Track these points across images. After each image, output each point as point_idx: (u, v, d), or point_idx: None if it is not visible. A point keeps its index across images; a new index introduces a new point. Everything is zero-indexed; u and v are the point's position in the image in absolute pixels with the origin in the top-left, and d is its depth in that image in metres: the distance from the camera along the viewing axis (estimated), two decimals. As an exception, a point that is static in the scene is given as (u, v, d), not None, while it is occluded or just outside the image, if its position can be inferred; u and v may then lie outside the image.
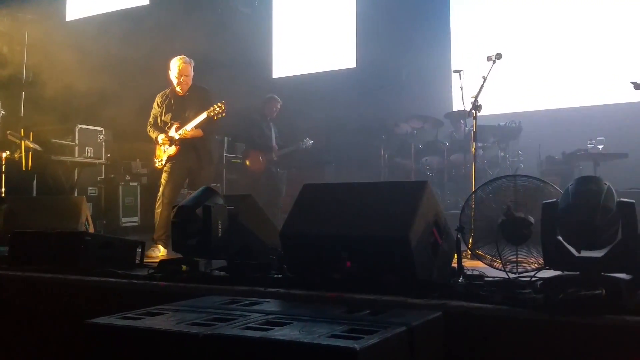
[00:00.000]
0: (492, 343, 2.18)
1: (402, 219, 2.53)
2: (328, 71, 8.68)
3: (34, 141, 6.21)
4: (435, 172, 6.90)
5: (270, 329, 1.83)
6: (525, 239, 2.64)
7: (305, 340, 1.68)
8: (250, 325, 1.90)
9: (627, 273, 2.25)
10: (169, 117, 5.07)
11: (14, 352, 3.17)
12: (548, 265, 2.42)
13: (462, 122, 6.84)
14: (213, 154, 5.44)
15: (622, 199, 2.28)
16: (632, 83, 5.31)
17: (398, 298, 2.35)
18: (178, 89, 5.08)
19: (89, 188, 7.20)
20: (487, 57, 4.65)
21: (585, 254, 2.29)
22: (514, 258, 2.70)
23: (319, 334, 1.73)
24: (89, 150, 7.31)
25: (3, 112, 7.10)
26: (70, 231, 4.13)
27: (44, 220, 4.59)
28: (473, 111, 4.62)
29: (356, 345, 1.60)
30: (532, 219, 2.61)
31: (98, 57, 7.17)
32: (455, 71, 6.15)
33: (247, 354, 1.73)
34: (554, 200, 2.41)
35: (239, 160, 7.92)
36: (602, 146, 5.92)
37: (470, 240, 3.01)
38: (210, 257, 3.19)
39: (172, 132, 4.98)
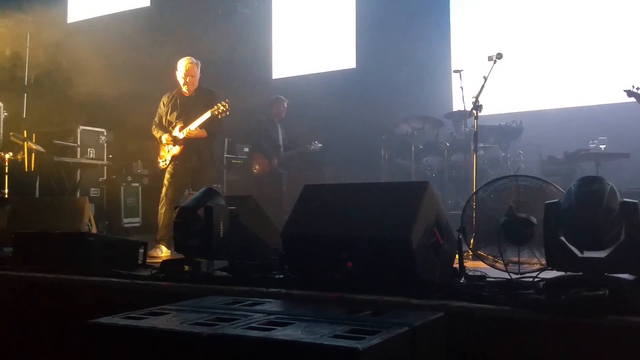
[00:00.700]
0: (494, 344, 2.17)
1: (403, 219, 2.53)
2: (328, 71, 8.67)
3: (36, 142, 6.21)
4: (435, 173, 6.87)
5: (273, 329, 1.83)
6: (528, 239, 2.63)
7: (307, 341, 1.68)
8: (252, 325, 1.90)
9: (630, 273, 2.24)
10: (174, 116, 5.08)
11: (18, 352, 3.17)
12: (550, 265, 2.41)
13: (463, 123, 6.83)
14: (215, 156, 5.46)
15: (625, 199, 2.27)
16: (625, 91, 5.33)
17: (399, 298, 2.35)
18: (184, 89, 5.09)
19: (91, 189, 7.23)
20: (488, 57, 4.64)
21: (588, 254, 2.28)
22: (516, 259, 2.69)
23: (321, 334, 1.73)
24: (91, 152, 7.33)
25: (6, 114, 7.12)
26: (73, 232, 4.15)
27: (47, 221, 4.59)
28: (474, 111, 4.62)
29: (359, 345, 1.61)
30: (534, 220, 2.60)
31: (100, 58, 7.18)
32: (456, 71, 6.16)
33: (250, 354, 1.74)
34: (557, 200, 2.40)
35: (239, 161, 7.92)
36: (604, 146, 5.89)
37: (472, 241, 3.01)
38: (211, 257, 3.19)
39: (176, 132, 4.99)
